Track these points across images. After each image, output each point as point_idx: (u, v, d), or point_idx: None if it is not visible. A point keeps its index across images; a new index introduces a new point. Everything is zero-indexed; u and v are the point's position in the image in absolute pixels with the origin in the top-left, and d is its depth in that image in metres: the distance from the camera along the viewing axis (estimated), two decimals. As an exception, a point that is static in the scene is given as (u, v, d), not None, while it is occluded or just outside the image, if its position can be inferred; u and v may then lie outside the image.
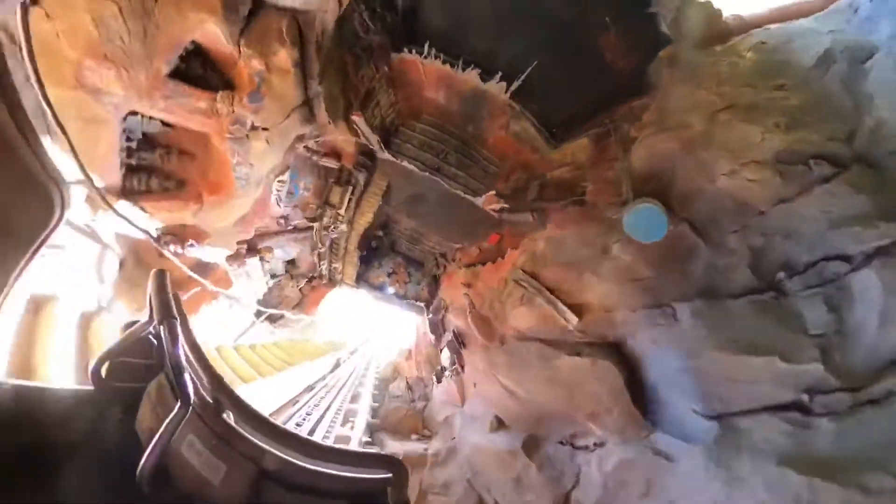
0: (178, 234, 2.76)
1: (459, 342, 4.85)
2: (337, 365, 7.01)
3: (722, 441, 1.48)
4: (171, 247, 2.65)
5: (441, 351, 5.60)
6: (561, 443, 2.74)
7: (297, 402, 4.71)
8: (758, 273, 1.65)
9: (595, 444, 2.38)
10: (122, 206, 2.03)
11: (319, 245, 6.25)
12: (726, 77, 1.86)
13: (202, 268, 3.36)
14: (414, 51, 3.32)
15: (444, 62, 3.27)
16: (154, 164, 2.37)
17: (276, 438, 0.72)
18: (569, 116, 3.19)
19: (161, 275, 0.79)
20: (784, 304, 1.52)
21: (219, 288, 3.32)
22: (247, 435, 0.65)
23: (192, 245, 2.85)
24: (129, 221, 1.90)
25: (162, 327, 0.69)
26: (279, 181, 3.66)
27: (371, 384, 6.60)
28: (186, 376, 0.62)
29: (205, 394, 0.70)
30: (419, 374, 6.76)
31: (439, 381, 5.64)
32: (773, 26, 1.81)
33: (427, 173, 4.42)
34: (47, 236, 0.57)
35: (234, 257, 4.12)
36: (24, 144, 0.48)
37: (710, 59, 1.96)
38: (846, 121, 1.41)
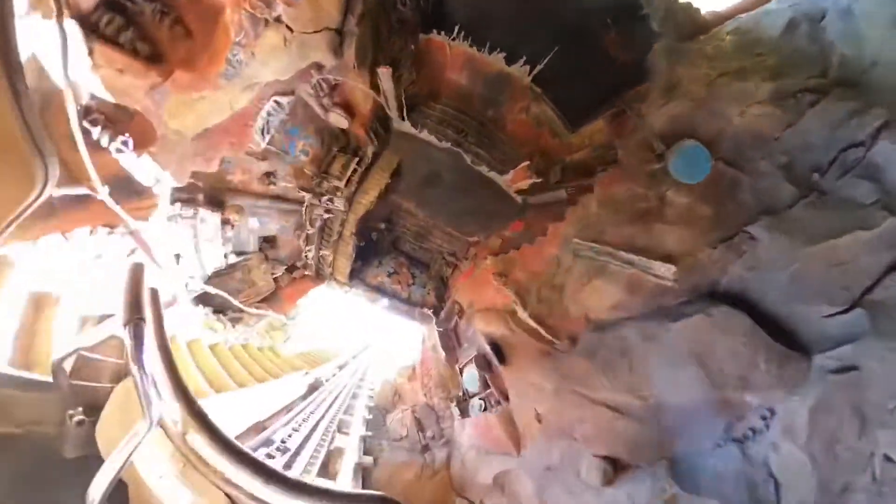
0: (114, 118, 1.85)
1: (498, 356, 3.60)
2: (315, 387, 4.82)
3: (878, 320, 1.50)
4: (97, 130, 1.71)
5: (462, 370, 4.15)
6: (718, 445, 1.92)
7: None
8: (796, 182, 2.09)
9: (764, 418, 1.84)
10: (71, 28, 1.45)
11: (308, 225, 5.23)
12: (714, 56, 2.62)
13: (123, 185, 2.10)
14: (443, 33, 3.90)
15: (470, 45, 3.90)
16: (141, 17, 1.84)
17: (253, 471, 0.67)
18: (582, 104, 3.71)
19: (137, 269, 0.75)
20: (831, 196, 1.94)
21: (124, 213, 1.84)
22: (217, 464, 0.62)
23: (125, 143, 1.88)
24: (64, 47, 1.27)
25: (127, 329, 0.65)
26: (275, 103, 3.02)
27: (362, 418, 4.53)
28: (152, 390, 0.59)
29: (172, 410, 0.66)
30: (428, 401, 5.10)
31: (464, 414, 3.99)
32: (743, 15, 2.64)
33: (449, 144, 4.54)
34: (21, 213, 0.51)
35: (184, 199, 2.91)
36: (14, 107, 0.44)
37: (698, 45, 2.75)
38: (817, 63, 2.10)
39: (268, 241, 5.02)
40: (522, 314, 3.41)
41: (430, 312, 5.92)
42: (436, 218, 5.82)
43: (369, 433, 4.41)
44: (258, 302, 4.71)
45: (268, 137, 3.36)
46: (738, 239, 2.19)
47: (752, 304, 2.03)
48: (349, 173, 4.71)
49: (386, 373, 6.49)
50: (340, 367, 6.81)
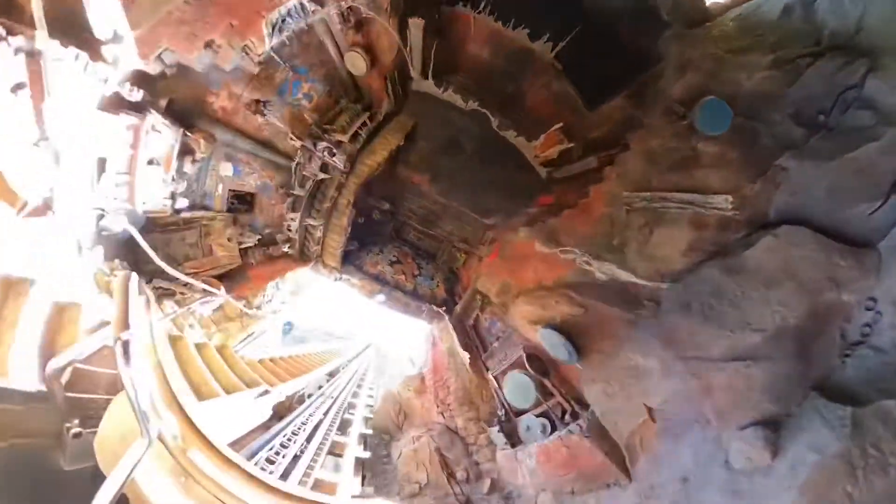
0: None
1: (571, 346, 2.93)
2: (287, 409, 3.44)
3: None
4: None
5: (499, 379, 3.52)
6: (846, 355, 2.07)
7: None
8: (805, 125, 2.72)
9: (869, 309, 2.12)
10: None
11: (297, 185, 4.55)
12: (720, 38, 3.33)
13: (66, 25, 1.50)
14: (468, 5, 4.45)
15: (495, 20, 4.48)
16: None
17: (257, 487, 0.78)
18: (598, 86, 4.22)
19: (125, 279, 0.87)
20: (838, 128, 2.58)
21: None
22: (219, 479, 0.68)
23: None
24: None
25: (116, 346, 0.72)
26: (299, 4, 2.76)
27: (353, 460, 2.98)
28: (148, 406, 0.64)
29: (170, 425, 0.73)
30: (448, 422, 4.00)
31: (514, 441, 3.11)
32: (744, 4, 3.41)
33: (477, 104, 4.62)
34: None
35: (137, 94, 2.12)
36: None
37: (704, 31, 3.44)
38: (811, 37, 2.84)
39: (241, 200, 4.13)
40: (604, 268, 3.05)
41: (442, 310, 5.35)
42: (451, 194, 5.65)
43: (369, 491, 2.93)
44: (213, 278, 3.67)
45: (275, 40, 2.91)
46: (772, 172, 2.70)
47: (804, 223, 2.48)
48: (357, 126, 4.30)
49: (387, 382, 5.29)
50: (331, 375, 5.33)
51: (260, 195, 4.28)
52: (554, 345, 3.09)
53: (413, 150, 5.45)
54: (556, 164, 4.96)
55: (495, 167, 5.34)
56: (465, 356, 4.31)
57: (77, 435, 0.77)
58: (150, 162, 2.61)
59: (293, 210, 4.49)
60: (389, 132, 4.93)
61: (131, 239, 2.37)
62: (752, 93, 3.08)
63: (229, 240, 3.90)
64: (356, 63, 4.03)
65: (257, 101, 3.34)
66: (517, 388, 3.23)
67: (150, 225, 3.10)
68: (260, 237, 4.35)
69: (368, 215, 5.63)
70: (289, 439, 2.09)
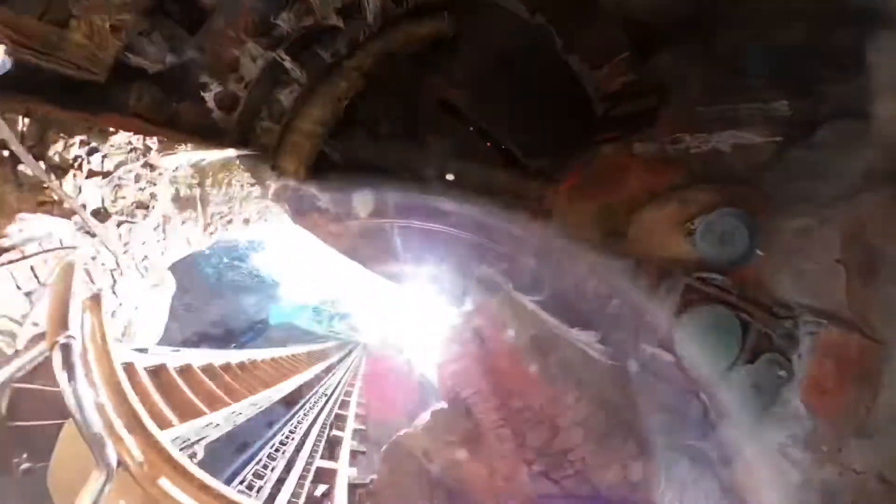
0: None
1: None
2: None
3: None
4: None
5: (665, 352, 2.87)
6: None
7: None
8: (832, 66, 4.07)
9: None
10: None
11: (287, 15, 3.35)
12: (753, 9, 5.33)
13: None
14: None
15: None
16: None
17: None
18: (647, 42, 6.28)
19: (67, 270, 0.83)
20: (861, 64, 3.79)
21: None
22: None
23: None
24: None
25: (54, 353, 0.69)
26: None
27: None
28: (100, 428, 0.64)
29: (131, 449, 0.74)
30: (572, 488, 2.46)
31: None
32: None
33: (544, 19, 5.43)
34: None
35: None
36: None
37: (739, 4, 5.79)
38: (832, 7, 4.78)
39: (183, 2, 2.75)
40: (723, 136, 4.10)
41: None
42: (493, 118, 5.68)
43: None
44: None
45: None
46: (813, 95, 4.10)
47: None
48: (389, -3, 4.25)
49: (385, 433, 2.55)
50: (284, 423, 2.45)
51: (216, 12, 3.17)
52: (730, 233, 3.05)
53: (455, 58, 5.48)
54: (616, 100, 5.72)
55: (549, 98, 5.68)
56: (599, 345, 3.07)
57: (27, 471, 0.84)
58: None
59: (266, 48, 3.33)
60: (429, 21, 4.94)
61: None
62: (785, 44, 4.62)
63: (114, 28, 2.42)
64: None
65: None
66: (712, 338, 2.57)
67: None
68: (175, 65, 2.90)
69: (376, 116, 4.77)
70: (265, 466, 1.99)
